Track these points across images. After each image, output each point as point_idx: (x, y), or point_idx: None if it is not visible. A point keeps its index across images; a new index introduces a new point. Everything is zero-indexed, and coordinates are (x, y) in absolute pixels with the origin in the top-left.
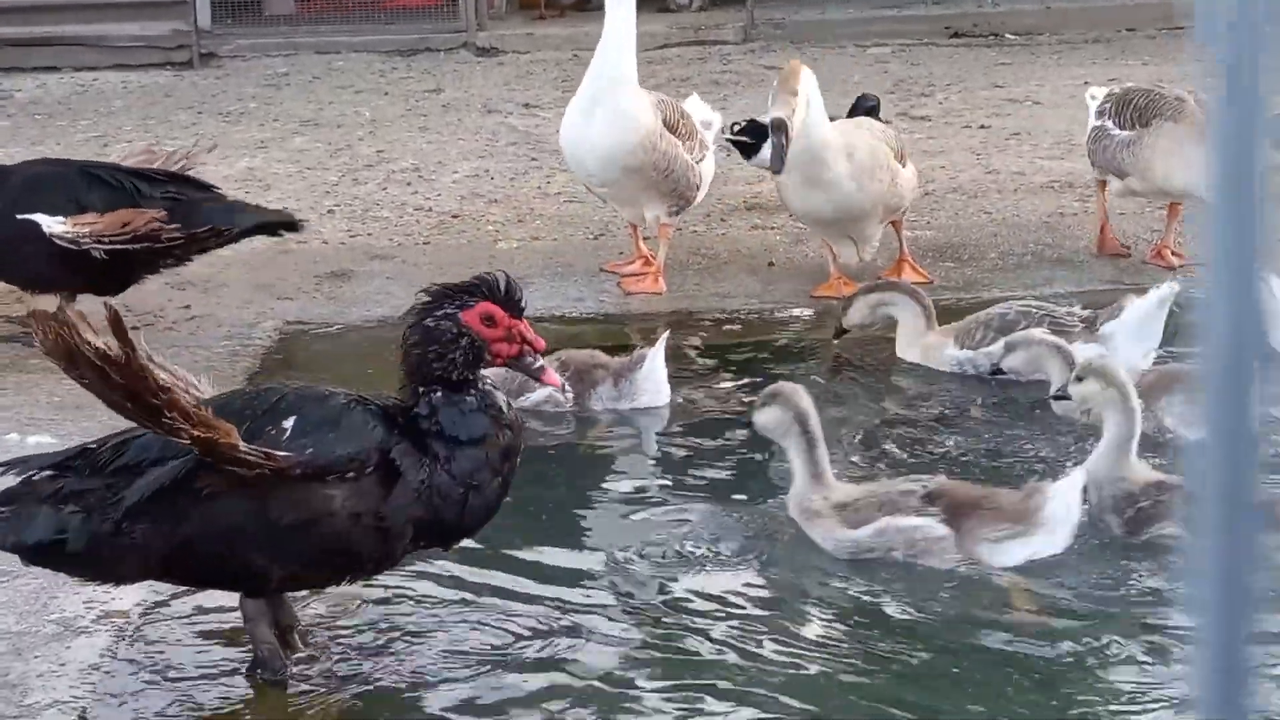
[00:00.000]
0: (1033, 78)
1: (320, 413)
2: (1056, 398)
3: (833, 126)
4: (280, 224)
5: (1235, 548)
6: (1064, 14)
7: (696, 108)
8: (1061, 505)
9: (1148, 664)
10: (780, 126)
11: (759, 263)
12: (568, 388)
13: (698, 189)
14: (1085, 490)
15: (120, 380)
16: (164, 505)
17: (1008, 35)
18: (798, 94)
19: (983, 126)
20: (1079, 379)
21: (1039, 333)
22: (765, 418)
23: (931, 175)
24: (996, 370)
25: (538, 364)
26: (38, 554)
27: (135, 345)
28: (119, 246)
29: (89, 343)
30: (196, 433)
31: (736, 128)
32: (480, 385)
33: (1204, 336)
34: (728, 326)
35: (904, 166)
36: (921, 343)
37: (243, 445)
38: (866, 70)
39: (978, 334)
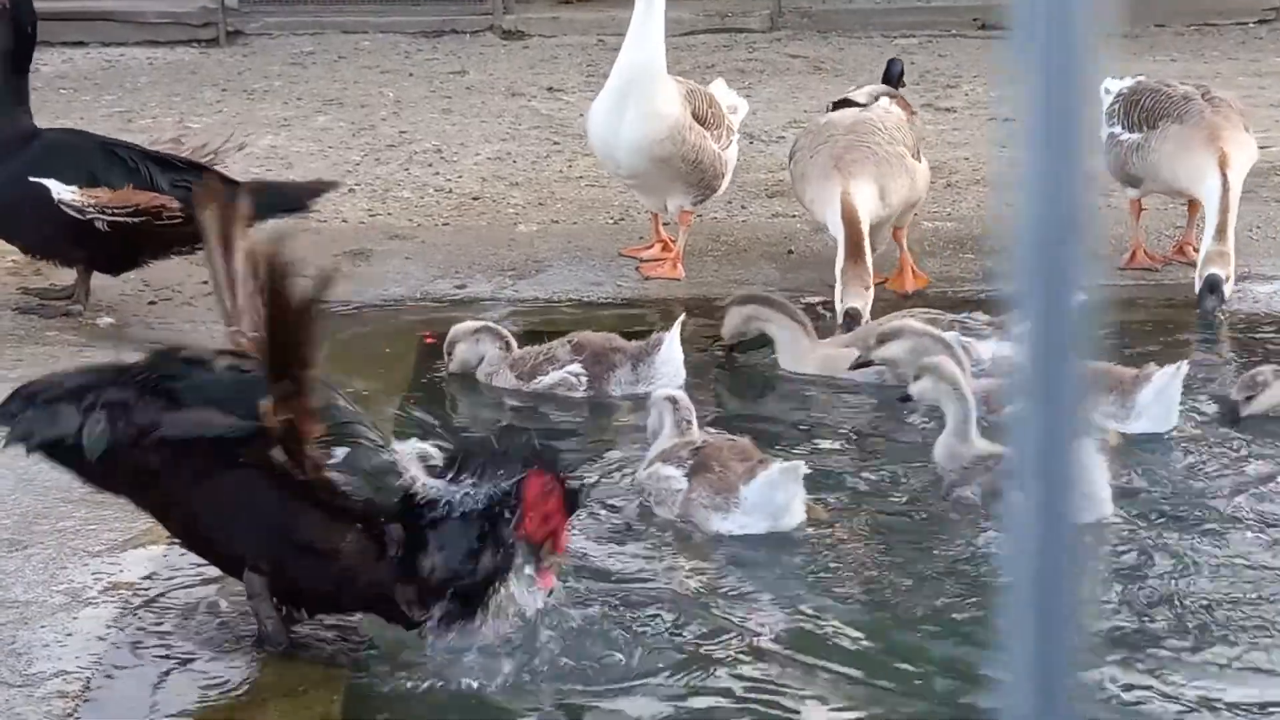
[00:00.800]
0: None
1: (363, 457)
2: (903, 400)
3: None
4: (292, 203)
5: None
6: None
7: (722, 92)
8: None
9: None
10: (854, 316)
11: (779, 250)
12: (581, 379)
13: (723, 177)
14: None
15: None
16: (195, 453)
17: None
18: (869, 270)
19: (1008, 119)
20: (916, 378)
21: (915, 323)
22: (921, 388)
23: (955, 167)
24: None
25: (546, 562)
26: (52, 451)
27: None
28: (120, 219)
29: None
30: (302, 401)
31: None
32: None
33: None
34: None
35: (920, 162)
36: (817, 355)
37: (313, 446)
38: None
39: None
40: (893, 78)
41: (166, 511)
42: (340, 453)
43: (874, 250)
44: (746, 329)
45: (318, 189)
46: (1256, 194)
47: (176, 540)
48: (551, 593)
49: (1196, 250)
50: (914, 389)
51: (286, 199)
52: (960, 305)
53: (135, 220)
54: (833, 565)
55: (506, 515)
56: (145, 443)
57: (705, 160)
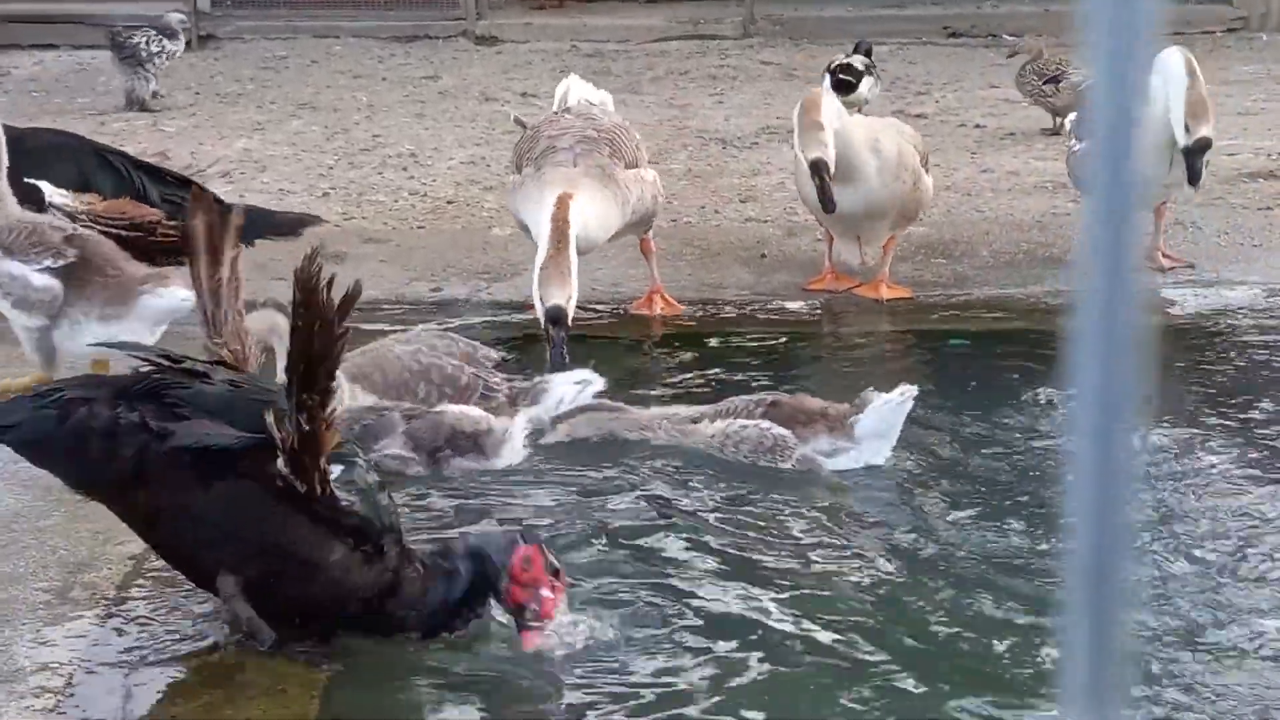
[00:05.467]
0: None
1: (364, 475)
2: None
3: (860, 122)
4: (282, 229)
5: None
6: (1063, 17)
7: (580, 88)
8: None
9: None
10: (820, 166)
11: (752, 254)
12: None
13: (659, 198)
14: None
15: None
16: (200, 460)
17: (1005, 36)
18: (824, 127)
19: (978, 126)
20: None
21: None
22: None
23: None
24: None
25: (535, 616)
26: (37, 452)
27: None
28: (113, 231)
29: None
30: (317, 416)
31: (835, 66)
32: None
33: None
34: (719, 317)
35: (926, 173)
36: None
37: (325, 462)
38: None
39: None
40: (863, 52)
41: (152, 521)
42: (336, 470)
43: (863, 258)
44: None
45: (305, 221)
46: (1225, 200)
47: (152, 548)
48: (537, 651)
49: (1166, 256)
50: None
51: (277, 225)
52: (931, 310)
53: (128, 235)
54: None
55: (490, 578)
56: (151, 454)
57: (647, 198)
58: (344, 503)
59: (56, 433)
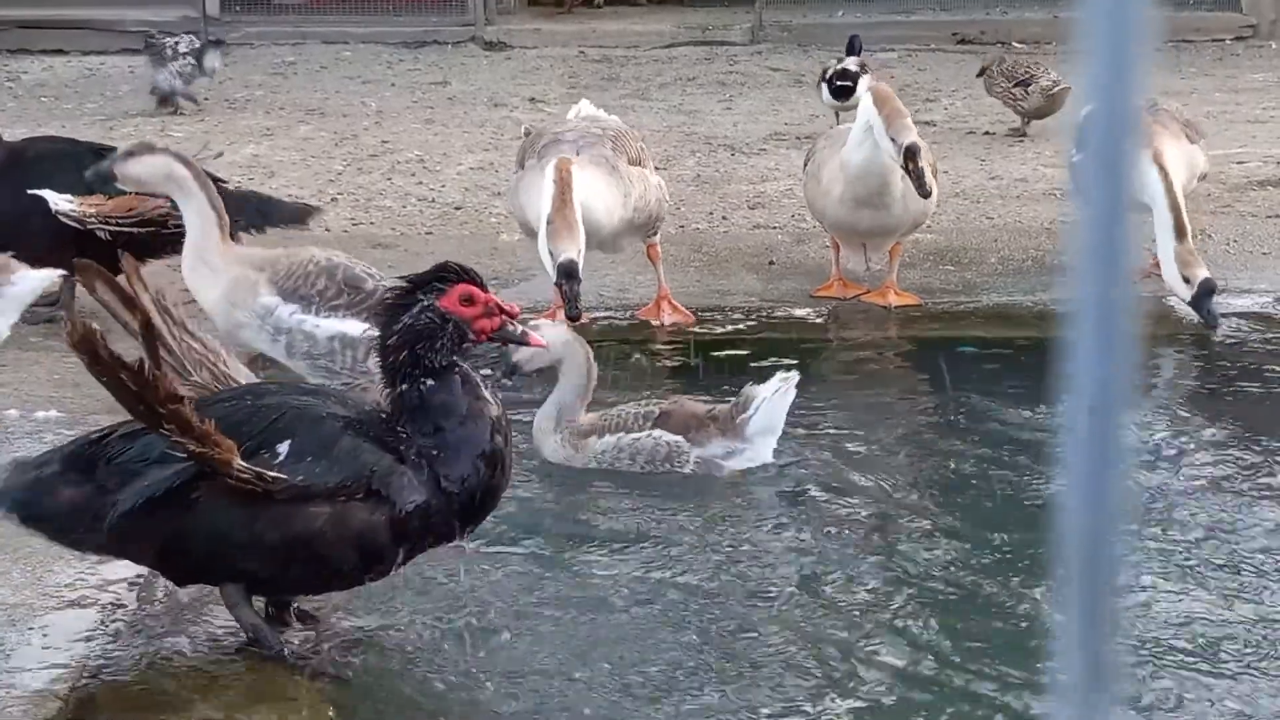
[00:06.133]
0: None
1: (315, 439)
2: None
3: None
4: (292, 218)
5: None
6: (1070, 23)
7: (590, 112)
8: None
9: None
10: (915, 152)
11: (760, 261)
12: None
13: (665, 203)
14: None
15: (133, 386)
16: (156, 508)
17: (1014, 43)
18: (907, 114)
19: (986, 133)
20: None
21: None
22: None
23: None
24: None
25: (519, 329)
26: (30, 522)
27: (157, 349)
28: (125, 230)
29: (109, 349)
30: (193, 448)
31: (831, 74)
32: (461, 367)
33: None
34: (727, 323)
35: (935, 181)
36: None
37: (237, 463)
38: (873, 74)
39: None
40: (855, 50)
41: (139, 559)
42: (283, 448)
43: (867, 263)
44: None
45: (310, 210)
46: (1233, 208)
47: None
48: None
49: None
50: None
51: (283, 213)
52: (939, 319)
53: (140, 231)
54: None
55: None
56: (110, 522)
57: (650, 199)
58: (299, 478)
59: (30, 516)
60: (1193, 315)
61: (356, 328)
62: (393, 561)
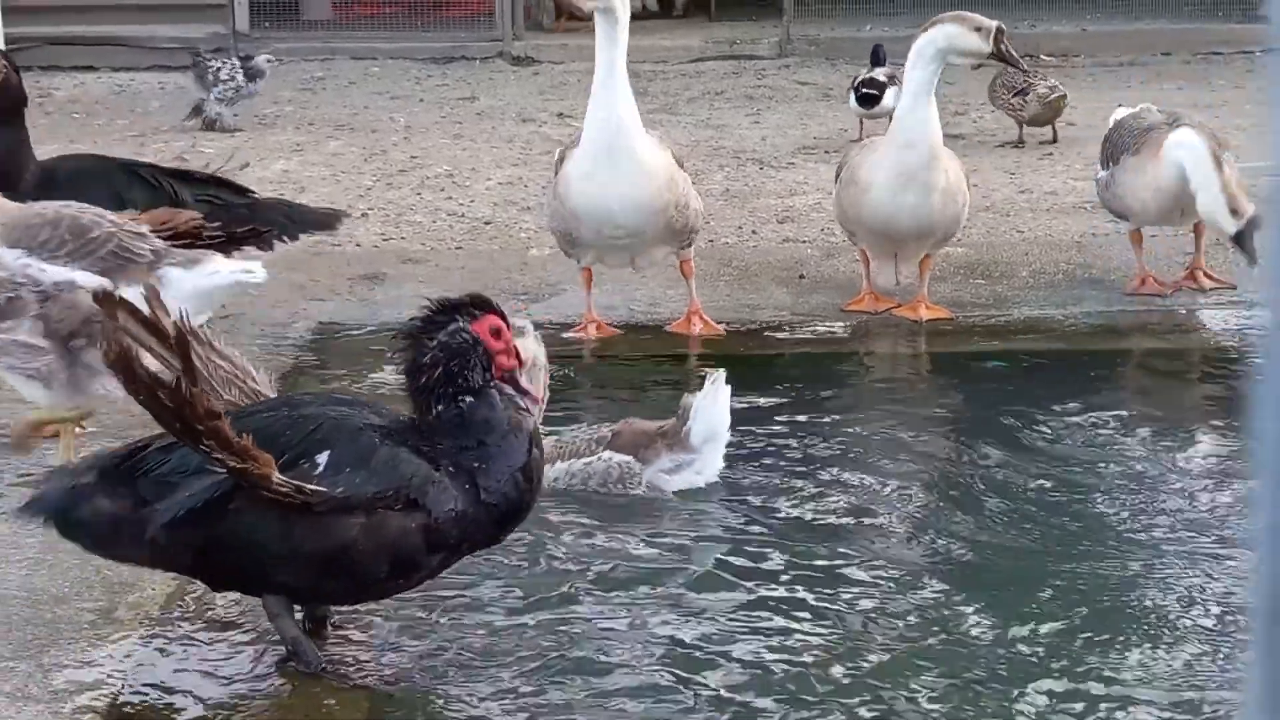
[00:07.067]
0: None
1: (353, 450)
2: None
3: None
4: (321, 223)
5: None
6: (1100, 37)
7: None
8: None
9: None
10: (1256, 222)
11: (790, 275)
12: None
13: (701, 214)
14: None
15: (170, 404)
16: (195, 519)
17: (1043, 56)
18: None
19: (1016, 146)
20: None
21: None
22: None
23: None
24: None
25: (524, 381)
26: (68, 531)
27: (193, 367)
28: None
29: (145, 367)
30: (232, 463)
31: (859, 82)
32: (496, 382)
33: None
34: (758, 337)
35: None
36: None
37: (276, 477)
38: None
39: None
40: (880, 61)
41: (179, 569)
42: (322, 459)
43: (898, 277)
44: None
45: (338, 215)
46: (1267, 220)
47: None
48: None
49: (1208, 276)
50: None
51: (311, 219)
52: (971, 333)
53: (175, 244)
54: None
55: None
56: (149, 535)
57: (691, 202)
58: (339, 490)
59: (68, 525)
60: (1227, 326)
61: (85, 277)
62: (428, 569)
